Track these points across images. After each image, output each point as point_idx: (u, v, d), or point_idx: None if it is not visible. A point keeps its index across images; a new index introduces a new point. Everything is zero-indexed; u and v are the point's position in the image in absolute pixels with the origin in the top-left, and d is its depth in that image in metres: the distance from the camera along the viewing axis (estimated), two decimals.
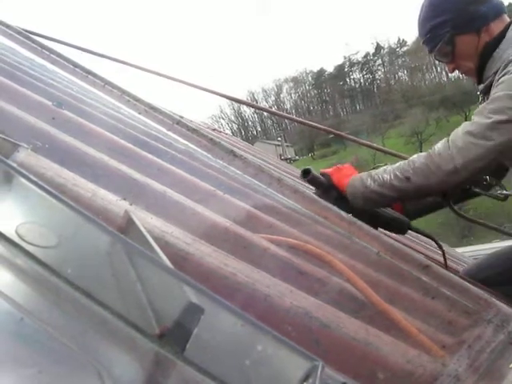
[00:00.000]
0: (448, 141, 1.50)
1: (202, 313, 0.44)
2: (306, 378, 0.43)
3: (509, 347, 0.73)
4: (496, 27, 1.63)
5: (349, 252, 0.88)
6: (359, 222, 0.89)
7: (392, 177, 1.51)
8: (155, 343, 0.45)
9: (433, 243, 2.41)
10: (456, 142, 1.47)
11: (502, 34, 1.61)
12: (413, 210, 1.85)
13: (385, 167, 1.59)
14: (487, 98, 1.66)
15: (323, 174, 1.68)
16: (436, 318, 0.80)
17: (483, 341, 0.73)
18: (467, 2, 1.61)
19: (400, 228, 1.74)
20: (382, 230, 1.62)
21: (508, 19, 1.66)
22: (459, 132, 1.50)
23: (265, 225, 0.95)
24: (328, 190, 1.63)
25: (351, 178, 1.62)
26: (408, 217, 1.76)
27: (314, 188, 1.69)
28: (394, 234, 1.77)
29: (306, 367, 0.43)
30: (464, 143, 1.45)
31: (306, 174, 1.62)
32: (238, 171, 0.96)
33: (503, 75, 1.53)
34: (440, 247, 1.92)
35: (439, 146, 1.51)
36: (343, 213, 0.91)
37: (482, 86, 1.73)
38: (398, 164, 1.56)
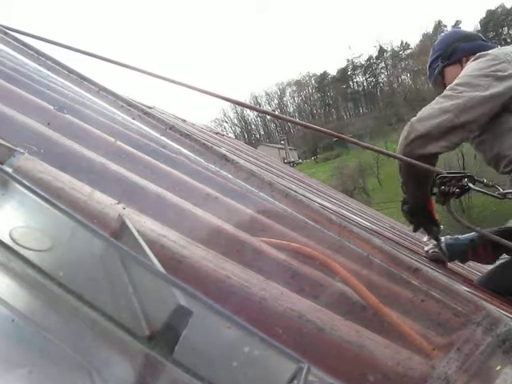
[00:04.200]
0: None
1: (190, 315, 0.45)
2: (292, 379, 0.43)
3: (497, 350, 0.73)
4: None
5: (341, 255, 0.88)
6: (350, 226, 0.90)
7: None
8: (145, 345, 0.46)
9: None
10: None
11: None
12: None
13: None
14: None
15: None
16: (426, 320, 0.80)
17: (472, 343, 0.74)
18: (452, 41, 2.18)
19: None
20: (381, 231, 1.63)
21: None
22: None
23: (260, 227, 0.96)
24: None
25: None
26: None
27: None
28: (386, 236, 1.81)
29: (292, 369, 0.44)
30: None
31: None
32: (229, 175, 0.97)
33: None
34: None
35: None
36: (333, 216, 0.92)
37: None
38: None
